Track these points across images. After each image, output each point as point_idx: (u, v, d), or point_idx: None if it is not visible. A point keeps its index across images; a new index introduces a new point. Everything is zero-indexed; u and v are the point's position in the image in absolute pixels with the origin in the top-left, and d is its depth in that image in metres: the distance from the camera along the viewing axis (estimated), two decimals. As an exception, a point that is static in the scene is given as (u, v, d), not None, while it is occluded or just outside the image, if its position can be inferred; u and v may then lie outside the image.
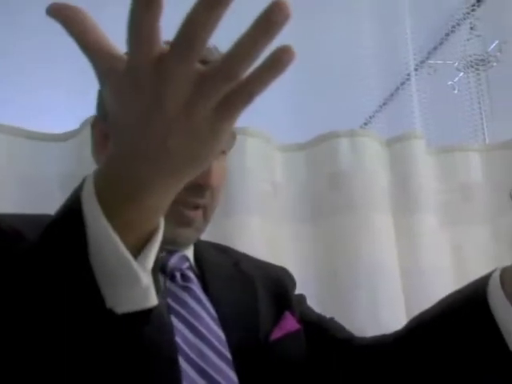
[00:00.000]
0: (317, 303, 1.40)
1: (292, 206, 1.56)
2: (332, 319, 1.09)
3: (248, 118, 1.48)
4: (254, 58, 0.48)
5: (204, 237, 1.27)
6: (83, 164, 1.30)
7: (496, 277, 0.85)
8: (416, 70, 1.96)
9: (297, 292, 1.29)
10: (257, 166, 1.53)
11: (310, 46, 1.89)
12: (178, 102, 0.49)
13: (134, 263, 0.54)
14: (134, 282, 0.55)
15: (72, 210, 0.57)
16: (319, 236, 1.55)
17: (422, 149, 1.60)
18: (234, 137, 0.98)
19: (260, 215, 1.50)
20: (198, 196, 0.89)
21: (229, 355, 0.85)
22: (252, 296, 0.99)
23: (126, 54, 0.49)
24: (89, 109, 1.19)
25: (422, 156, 1.60)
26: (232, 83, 0.49)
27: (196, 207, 0.91)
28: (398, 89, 1.82)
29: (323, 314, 1.11)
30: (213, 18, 0.46)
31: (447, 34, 1.98)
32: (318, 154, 1.59)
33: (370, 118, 2.08)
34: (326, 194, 1.56)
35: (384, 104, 2.03)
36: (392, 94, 1.91)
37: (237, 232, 1.46)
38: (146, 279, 0.56)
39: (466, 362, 0.89)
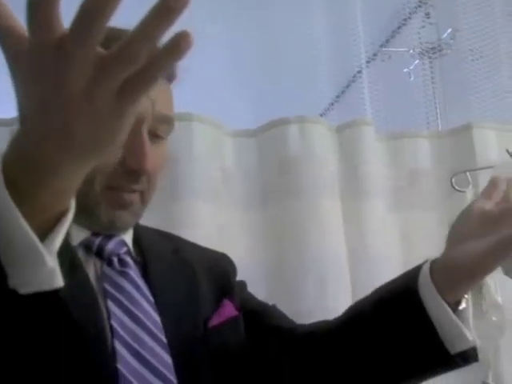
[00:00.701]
0: (266, 288, 1.49)
1: (241, 192, 1.59)
2: (274, 306, 1.10)
3: (209, 107, 1.52)
4: (152, 42, 0.49)
5: (152, 220, 1.29)
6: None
7: (426, 268, 0.87)
8: (370, 60, 2.01)
9: (245, 277, 1.30)
10: (206, 152, 1.55)
11: (269, 37, 1.93)
12: (78, 85, 0.49)
13: (40, 246, 0.55)
14: (39, 264, 0.56)
15: None
16: (268, 221, 1.59)
17: (371, 135, 1.64)
18: (171, 123, 0.94)
19: (209, 200, 1.52)
20: (133, 181, 0.88)
21: (164, 339, 0.87)
22: (191, 282, 1.00)
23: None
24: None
25: (372, 142, 1.64)
26: (132, 67, 0.49)
27: (132, 191, 0.90)
28: (354, 77, 1.86)
29: (272, 298, 1.12)
30: (110, 4, 0.47)
31: (404, 21, 2.02)
32: (268, 139, 1.62)
33: (327, 108, 2.11)
34: (275, 180, 1.60)
35: (342, 93, 2.07)
36: (348, 85, 1.95)
37: (185, 217, 1.48)
38: (52, 262, 0.57)
39: (400, 350, 0.89)
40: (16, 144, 0.55)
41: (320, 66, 1.89)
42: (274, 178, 1.62)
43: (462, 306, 0.87)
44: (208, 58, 1.65)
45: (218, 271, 1.06)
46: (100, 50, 0.49)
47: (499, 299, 1.39)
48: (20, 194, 0.55)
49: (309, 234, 1.56)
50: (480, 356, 1.13)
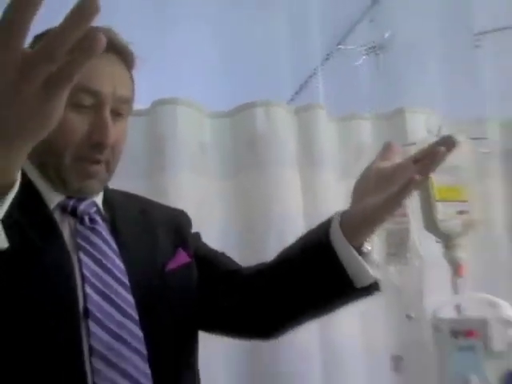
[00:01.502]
0: (237, 248, 1.63)
1: (217, 164, 1.76)
2: (223, 253, 1.22)
3: (191, 91, 1.70)
4: (68, 44, 0.53)
5: (144, 186, 1.46)
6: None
7: (336, 219, 0.99)
8: (329, 54, 2.21)
9: (219, 229, 1.50)
10: (188, 130, 1.71)
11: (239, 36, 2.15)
12: (6, 81, 0.55)
13: None
14: None
15: None
16: (239, 188, 1.76)
17: (324, 117, 1.82)
18: (130, 103, 1.07)
19: (190, 171, 1.69)
20: (97, 153, 0.99)
21: (127, 282, 0.99)
22: (152, 235, 1.12)
23: None
24: None
25: (324, 123, 1.83)
26: (52, 65, 0.55)
27: (97, 162, 1.01)
28: (316, 69, 2.09)
29: (242, 257, 1.23)
30: (28, 15, 0.52)
31: (357, 23, 2.26)
32: (239, 120, 1.80)
33: (292, 97, 2.35)
34: (245, 154, 1.78)
35: (305, 82, 2.31)
36: (310, 75, 2.19)
37: (170, 184, 1.65)
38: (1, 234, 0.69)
39: (317, 285, 1.03)
40: None
41: (284, 63, 2.07)
42: (244, 153, 1.79)
43: (366, 248, 1.00)
44: (194, 50, 1.84)
45: (175, 225, 1.18)
46: (26, 50, 0.55)
47: (420, 249, 1.61)
48: None
49: (272, 199, 1.73)
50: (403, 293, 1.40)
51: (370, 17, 2.05)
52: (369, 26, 2.05)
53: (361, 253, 0.98)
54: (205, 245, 1.22)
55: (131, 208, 1.15)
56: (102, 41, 0.53)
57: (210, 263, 1.17)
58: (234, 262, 1.21)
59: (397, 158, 1.01)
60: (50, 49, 0.54)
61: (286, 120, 1.82)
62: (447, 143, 0.94)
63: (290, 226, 1.66)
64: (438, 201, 1.43)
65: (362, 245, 0.99)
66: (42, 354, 0.92)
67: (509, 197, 1.97)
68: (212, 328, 1.19)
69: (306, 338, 1.66)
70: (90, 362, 0.93)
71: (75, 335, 0.93)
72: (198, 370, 1.15)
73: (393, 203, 0.94)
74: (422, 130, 1.80)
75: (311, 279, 1.04)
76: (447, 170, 1.33)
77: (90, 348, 0.94)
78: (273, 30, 1.94)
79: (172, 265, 1.09)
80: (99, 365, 0.94)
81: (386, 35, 2.00)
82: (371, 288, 1.01)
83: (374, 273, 0.99)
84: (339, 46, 2.11)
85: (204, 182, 1.74)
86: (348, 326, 1.72)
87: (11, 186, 0.66)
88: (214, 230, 1.23)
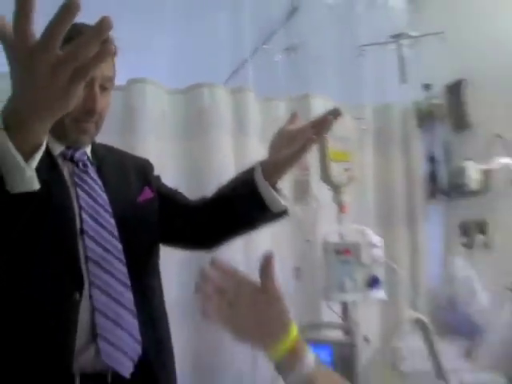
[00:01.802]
0: (186, 193, 1.67)
1: (174, 130, 2.02)
2: (177, 190, 1.42)
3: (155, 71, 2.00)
4: (90, 52, 0.68)
5: (119, 142, 1.54)
6: None
7: (258, 165, 1.18)
8: (257, 49, 2.43)
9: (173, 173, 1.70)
10: (153, 102, 1.94)
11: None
12: (43, 74, 0.69)
13: (23, 163, 0.78)
14: (22, 175, 0.80)
15: None
16: (190, 149, 2.03)
17: (252, 98, 2.11)
18: (112, 80, 1.23)
19: (153, 134, 1.93)
20: (89, 116, 1.16)
21: (110, 210, 1.17)
22: (127, 177, 1.30)
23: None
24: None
25: (252, 102, 2.12)
26: (77, 63, 0.68)
27: (89, 122, 1.18)
28: (246, 59, 2.29)
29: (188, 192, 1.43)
30: (64, 25, 0.65)
31: (278, 28, 2.46)
32: (190, 97, 2.04)
33: (227, 80, 2.58)
34: (195, 122, 2.03)
35: (237, 69, 2.54)
36: (242, 63, 2.39)
37: (139, 143, 1.90)
38: (30, 172, 0.80)
39: (245, 211, 1.23)
40: (9, 104, 0.76)
41: (224, 53, 2.33)
42: (195, 121, 2.03)
43: (279, 186, 1.20)
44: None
45: (142, 169, 1.36)
46: (59, 52, 0.67)
47: (317, 195, 1.98)
48: (11, 132, 0.76)
49: (213, 158, 2.00)
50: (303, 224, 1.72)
51: (287, 25, 2.39)
52: (286, 31, 2.39)
53: (275, 189, 1.18)
54: (164, 184, 1.42)
55: (111, 157, 1.32)
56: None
57: (168, 197, 1.37)
58: (186, 197, 1.41)
59: (299, 124, 1.18)
60: (76, 53, 0.68)
61: (225, 98, 2.07)
62: (334, 113, 1.16)
63: (226, 177, 1.72)
64: (331, 161, 1.77)
65: (275, 183, 1.19)
66: (49, 261, 1.07)
67: (377, 160, 2.33)
68: (170, 241, 1.38)
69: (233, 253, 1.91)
70: (87, 267, 1.09)
71: (75, 247, 1.09)
72: (160, 272, 1.33)
73: (297, 155, 1.13)
74: (321, 110, 1.93)
75: (240, 206, 1.23)
76: (338, 140, 1.76)
77: (86, 257, 1.10)
78: (216, 27, 2.24)
79: (141, 198, 1.28)
80: (94, 269, 1.10)
81: (298, 41, 2.34)
82: (282, 213, 1.22)
83: (284, 202, 1.19)
84: (264, 46, 2.43)
85: (164, 142, 1.97)
86: (263, 244, 1.98)
87: (41, 145, 0.81)
88: (168, 180, 1.48)
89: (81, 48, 0.68)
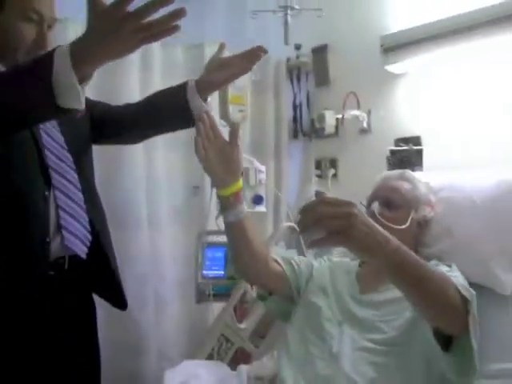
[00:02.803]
0: None
1: None
2: (110, 105, 1.67)
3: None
4: (151, 14, 0.94)
5: None
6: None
7: (192, 81, 1.45)
8: None
9: None
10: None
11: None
12: (114, 26, 0.97)
13: (80, 87, 1.04)
14: (77, 94, 1.05)
15: (48, 53, 1.03)
16: (104, 83, 2.19)
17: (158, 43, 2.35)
18: (56, 20, 1.43)
19: None
20: (40, 50, 1.35)
21: (66, 147, 1.45)
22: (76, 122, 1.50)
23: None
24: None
25: (156, 46, 2.39)
26: (139, 22, 0.96)
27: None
28: None
29: None
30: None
31: None
32: None
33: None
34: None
35: None
36: None
37: None
38: (83, 96, 1.06)
39: (170, 114, 1.49)
40: (80, 39, 1.02)
41: None
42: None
43: (208, 100, 1.48)
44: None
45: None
46: (125, 11, 0.95)
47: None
48: (74, 63, 1.01)
49: (121, 90, 2.25)
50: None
51: None
52: None
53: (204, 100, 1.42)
54: (100, 102, 1.66)
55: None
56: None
57: (97, 106, 1.61)
58: (115, 107, 1.65)
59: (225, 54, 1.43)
60: (140, 13, 0.96)
61: None
62: (262, 50, 1.39)
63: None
64: (230, 103, 1.91)
65: (206, 99, 1.46)
66: (26, 167, 1.33)
67: (253, 103, 2.71)
68: (103, 141, 1.65)
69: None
70: (49, 173, 1.35)
71: (43, 158, 1.35)
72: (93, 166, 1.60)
73: (230, 79, 1.45)
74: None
75: (168, 109, 1.49)
76: (236, 87, 1.84)
77: (48, 165, 1.36)
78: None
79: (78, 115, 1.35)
80: (54, 175, 1.36)
81: None
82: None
83: (204, 107, 1.45)
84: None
85: None
86: (165, 167, 2.37)
87: (91, 76, 1.09)
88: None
89: (142, 12, 0.96)
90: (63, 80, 1.02)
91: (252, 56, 1.39)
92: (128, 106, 1.63)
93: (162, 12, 0.98)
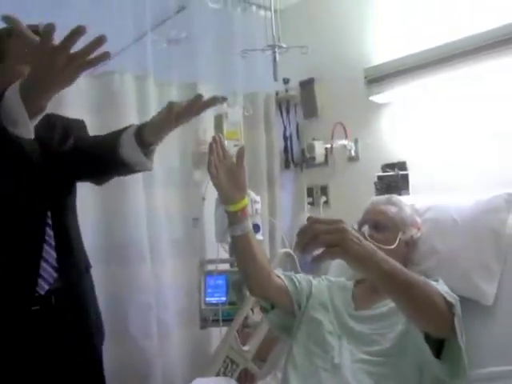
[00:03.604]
0: None
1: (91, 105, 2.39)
2: (91, 137, 1.71)
3: None
4: (74, 42, 1.04)
5: None
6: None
7: (132, 128, 1.47)
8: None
9: None
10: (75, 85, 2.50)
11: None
12: (51, 65, 1.07)
13: (29, 122, 1.19)
14: (27, 126, 1.20)
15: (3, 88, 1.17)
16: (102, 121, 2.37)
17: (152, 81, 2.58)
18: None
19: (76, 108, 2.29)
20: None
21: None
22: (55, 130, 1.65)
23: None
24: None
25: (152, 86, 2.59)
26: (68, 52, 1.06)
27: None
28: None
29: None
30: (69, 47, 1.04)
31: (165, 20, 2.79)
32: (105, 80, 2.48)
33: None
34: (106, 101, 2.44)
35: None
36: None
37: (68, 114, 2.01)
38: (31, 127, 1.21)
39: (115, 159, 1.49)
40: (24, 81, 1.15)
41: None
42: (107, 99, 2.47)
43: (154, 147, 1.48)
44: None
45: (68, 127, 1.70)
46: (53, 44, 1.03)
47: None
48: (23, 98, 1.15)
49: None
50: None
51: (174, 19, 2.77)
52: (173, 24, 2.76)
53: (149, 147, 1.47)
54: (81, 137, 1.70)
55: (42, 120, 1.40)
56: (106, 56, 1.08)
57: (77, 144, 1.65)
58: (89, 142, 1.69)
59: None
60: (63, 46, 1.07)
61: (130, 82, 2.54)
62: (220, 100, 1.40)
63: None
64: (225, 138, 2.06)
65: (152, 143, 1.46)
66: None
67: (245, 136, 2.88)
68: (77, 179, 1.71)
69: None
70: None
71: None
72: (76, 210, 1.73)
73: (170, 125, 1.41)
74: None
75: (113, 158, 1.49)
76: (231, 123, 2.24)
77: None
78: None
79: (63, 147, 1.61)
80: None
81: (184, 34, 2.75)
82: (141, 168, 1.54)
83: (150, 164, 1.52)
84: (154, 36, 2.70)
85: (84, 114, 2.19)
86: (165, 200, 2.53)
87: (42, 110, 1.20)
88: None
89: (66, 42, 1.06)
90: (14, 111, 1.17)
91: (201, 106, 1.38)
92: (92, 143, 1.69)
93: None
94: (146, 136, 1.44)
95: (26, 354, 1.50)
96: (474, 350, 1.49)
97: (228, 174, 1.54)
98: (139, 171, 1.57)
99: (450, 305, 1.28)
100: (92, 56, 1.09)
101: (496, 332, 1.59)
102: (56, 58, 1.07)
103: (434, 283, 1.45)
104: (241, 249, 1.59)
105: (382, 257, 1.17)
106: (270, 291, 1.65)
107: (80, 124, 1.81)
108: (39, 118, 1.22)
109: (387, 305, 1.55)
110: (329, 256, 1.12)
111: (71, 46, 1.05)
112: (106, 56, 1.09)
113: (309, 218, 1.14)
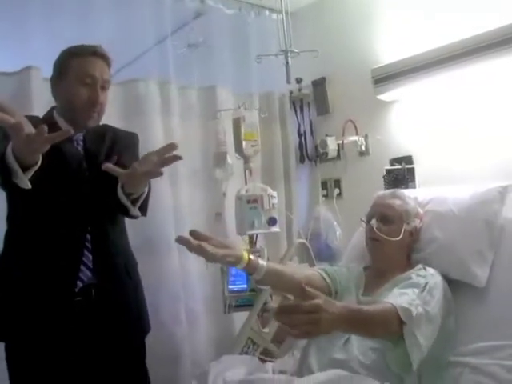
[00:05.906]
0: None
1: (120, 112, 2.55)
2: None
3: None
4: (42, 137, 1.32)
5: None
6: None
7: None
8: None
9: None
10: None
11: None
12: (32, 146, 1.35)
13: (24, 177, 1.43)
14: (23, 179, 1.43)
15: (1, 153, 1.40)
16: (130, 125, 2.39)
17: (174, 87, 2.73)
18: (109, 81, 1.75)
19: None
20: (94, 107, 1.69)
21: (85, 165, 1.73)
22: (101, 143, 1.80)
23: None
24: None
25: (174, 90, 2.75)
26: (40, 141, 1.32)
27: (94, 112, 1.70)
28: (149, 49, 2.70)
29: None
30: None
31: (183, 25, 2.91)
32: (126, 87, 2.64)
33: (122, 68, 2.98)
34: (134, 104, 2.61)
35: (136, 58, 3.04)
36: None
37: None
38: (26, 181, 1.43)
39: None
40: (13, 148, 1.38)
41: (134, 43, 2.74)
42: (133, 106, 2.62)
43: (138, 195, 1.67)
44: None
45: (117, 138, 1.87)
46: (31, 135, 1.31)
47: (232, 164, 2.67)
48: (18, 157, 1.38)
49: (147, 135, 2.48)
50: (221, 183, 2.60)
51: (192, 24, 2.94)
52: (190, 30, 2.91)
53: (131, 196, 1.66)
54: (126, 156, 1.81)
55: (103, 131, 1.81)
56: (66, 133, 1.40)
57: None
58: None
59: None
60: (36, 137, 1.31)
61: (154, 88, 2.72)
62: (171, 148, 1.49)
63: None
64: (243, 139, 2.46)
65: (132, 194, 1.65)
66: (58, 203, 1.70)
67: (262, 134, 2.76)
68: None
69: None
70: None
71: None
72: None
73: (145, 179, 1.60)
74: (224, 98, 2.86)
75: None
76: (248, 125, 2.45)
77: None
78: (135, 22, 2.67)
79: (110, 160, 1.71)
80: None
81: (201, 39, 2.90)
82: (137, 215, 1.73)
83: (136, 212, 1.72)
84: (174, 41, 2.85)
85: (112, 119, 2.19)
86: (188, 197, 2.75)
87: (36, 163, 1.43)
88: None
89: (37, 136, 1.32)
90: (11, 165, 1.43)
91: (164, 152, 1.50)
92: None
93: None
94: (125, 187, 1.62)
95: (70, 340, 1.69)
96: (469, 327, 1.75)
97: (219, 248, 1.57)
98: (133, 217, 1.77)
99: (400, 320, 1.51)
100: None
101: (487, 310, 1.82)
102: (31, 144, 1.37)
103: (431, 272, 1.71)
104: (268, 283, 1.76)
105: (347, 318, 1.39)
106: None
107: (128, 140, 1.93)
108: (34, 170, 1.46)
109: (383, 293, 1.77)
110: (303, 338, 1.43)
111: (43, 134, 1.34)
112: (65, 133, 1.40)
113: (286, 307, 1.31)
